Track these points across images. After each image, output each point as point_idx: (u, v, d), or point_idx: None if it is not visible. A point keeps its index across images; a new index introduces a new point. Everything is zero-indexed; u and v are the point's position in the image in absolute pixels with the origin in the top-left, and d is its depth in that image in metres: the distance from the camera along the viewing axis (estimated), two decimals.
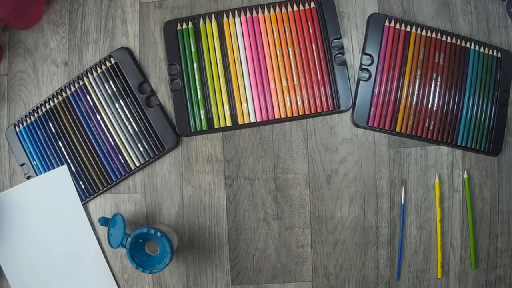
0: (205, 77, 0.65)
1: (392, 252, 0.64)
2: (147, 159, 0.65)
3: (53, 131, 0.66)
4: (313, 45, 0.64)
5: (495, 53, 0.65)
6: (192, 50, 0.65)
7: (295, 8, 0.65)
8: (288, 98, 0.64)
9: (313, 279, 0.65)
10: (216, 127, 0.65)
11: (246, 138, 0.65)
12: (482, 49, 0.65)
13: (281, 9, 0.65)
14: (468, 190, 0.64)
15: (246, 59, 0.65)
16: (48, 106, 0.66)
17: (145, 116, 0.65)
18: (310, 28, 0.65)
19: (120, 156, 0.65)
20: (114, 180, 0.65)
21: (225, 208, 0.65)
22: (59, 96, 0.66)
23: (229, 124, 0.65)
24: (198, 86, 0.65)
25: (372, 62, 0.65)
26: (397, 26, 0.64)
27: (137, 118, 0.65)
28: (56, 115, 0.66)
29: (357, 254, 0.64)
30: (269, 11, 0.65)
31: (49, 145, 0.66)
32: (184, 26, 0.65)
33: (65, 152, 0.65)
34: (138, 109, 0.65)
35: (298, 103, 0.64)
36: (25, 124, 0.67)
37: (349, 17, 0.66)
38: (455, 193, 0.65)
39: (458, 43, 0.65)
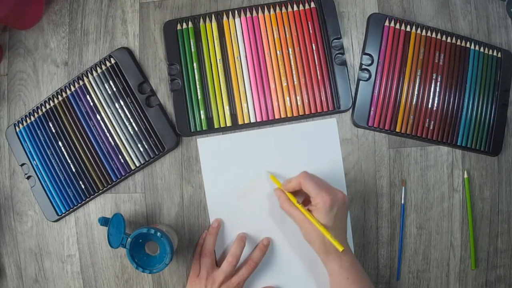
0: (205, 77, 0.65)
1: (392, 252, 0.64)
2: (147, 159, 0.65)
3: (53, 131, 0.66)
4: (313, 45, 0.64)
5: (495, 53, 0.65)
6: (192, 50, 0.65)
7: (295, 8, 0.65)
8: (288, 98, 0.64)
9: None
10: (216, 127, 0.65)
11: None
12: (482, 49, 0.65)
13: (281, 9, 0.65)
14: (468, 190, 0.64)
15: (246, 59, 0.65)
16: (48, 106, 0.66)
17: (145, 116, 0.65)
18: (310, 28, 0.65)
19: (120, 156, 0.65)
20: (114, 180, 0.65)
21: None
22: (59, 96, 0.66)
23: (229, 124, 0.65)
24: (198, 86, 0.65)
25: (372, 62, 0.65)
26: (397, 26, 0.64)
27: (137, 118, 0.65)
28: (56, 115, 0.66)
29: (357, 254, 0.64)
30: (269, 11, 0.65)
31: (49, 145, 0.66)
32: (184, 26, 0.65)
33: (65, 152, 0.66)
34: (138, 109, 0.65)
35: (298, 103, 0.64)
36: (25, 124, 0.67)
37: (349, 17, 0.66)
38: (455, 193, 0.65)
39: (458, 43, 0.65)
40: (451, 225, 0.65)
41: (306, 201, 0.58)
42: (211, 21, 0.65)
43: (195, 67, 0.65)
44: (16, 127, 0.67)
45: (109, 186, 0.65)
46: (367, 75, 0.65)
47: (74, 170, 0.65)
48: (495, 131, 0.65)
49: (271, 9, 0.65)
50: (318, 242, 0.54)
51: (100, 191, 0.66)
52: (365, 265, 0.64)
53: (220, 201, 0.65)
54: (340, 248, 0.53)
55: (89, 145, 0.65)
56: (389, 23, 0.65)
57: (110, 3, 0.67)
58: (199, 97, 0.65)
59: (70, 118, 0.66)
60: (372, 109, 0.64)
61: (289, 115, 0.64)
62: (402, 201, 0.64)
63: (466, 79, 0.65)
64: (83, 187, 0.65)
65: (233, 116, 0.65)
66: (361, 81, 0.65)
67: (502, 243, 0.65)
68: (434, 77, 0.64)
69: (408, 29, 0.65)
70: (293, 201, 0.57)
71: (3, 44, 0.68)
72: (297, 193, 0.58)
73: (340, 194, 0.55)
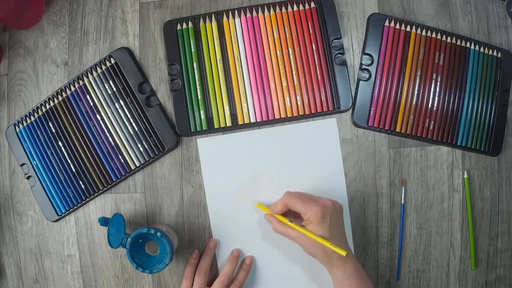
0: (205, 77, 0.65)
1: (392, 252, 0.64)
2: (147, 159, 0.65)
3: (53, 131, 0.66)
4: (313, 45, 0.64)
5: (495, 53, 0.65)
6: (192, 50, 0.65)
7: (295, 8, 0.65)
8: (288, 98, 0.64)
9: None
10: (216, 127, 0.65)
11: None
12: (482, 49, 0.65)
13: (281, 9, 0.65)
14: (468, 190, 0.64)
15: (246, 59, 0.65)
16: (48, 106, 0.66)
17: (145, 116, 0.65)
18: (310, 28, 0.65)
19: (120, 156, 0.65)
20: (114, 180, 0.65)
21: None
22: (59, 96, 0.66)
23: (229, 124, 0.65)
24: (198, 86, 0.65)
25: (372, 62, 0.65)
26: (397, 26, 0.64)
27: (137, 118, 0.65)
28: (56, 115, 0.66)
29: (357, 254, 0.64)
30: (269, 11, 0.65)
31: (49, 145, 0.66)
32: (184, 26, 0.65)
33: (65, 152, 0.66)
34: (138, 109, 0.65)
35: (298, 103, 0.64)
36: (25, 124, 0.67)
37: (349, 17, 0.66)
38: (455, 193, 0.65)
39: (458, 43, 0.65)
40: (451, 225, 0.65)
41: (297, 218, 0.58)
42: (211, 21, 0.65)
43: (195, 67, 0.65)
44: (16, 127, 0.67)
45: (109, 186, 0.65)
46: (367, 75, 0.65)
47: (74, 170, 0.65)
48: (495, 131, 0.65)
49: (271, 9, 0.65)
50: (320, 254, 0.55)
51: (100, 191, 0.66)
52: (365, 265, 0.64)
53: (220, 201, 0.65)
54: (343, 253, 0.53)
55: (89, 145, 0.65)
56: (389, 23, 0.65)
57: (110, 3, 0.67)
58: (199, 97, 0.65)
59: (70, 118, 0.66)
60: (372, 109, 0.64)
61: (289, 115, 0.64)
62: (402, 201, 0.64)
63: (466, 79, 0.65)
64: (83, 187, 0.65)
65: (233, 116, 0.65)
66: (361, 81, 0.65)
67: (502, 243, 0.65)
68: (434, 77, 0.64)
69: (408, 29, 0.65)
70: (285, 222, 0.57)
71: (3, 44, 0.68)
72: (286, 214, 0.59)
73: (328, 202, 0.56)
